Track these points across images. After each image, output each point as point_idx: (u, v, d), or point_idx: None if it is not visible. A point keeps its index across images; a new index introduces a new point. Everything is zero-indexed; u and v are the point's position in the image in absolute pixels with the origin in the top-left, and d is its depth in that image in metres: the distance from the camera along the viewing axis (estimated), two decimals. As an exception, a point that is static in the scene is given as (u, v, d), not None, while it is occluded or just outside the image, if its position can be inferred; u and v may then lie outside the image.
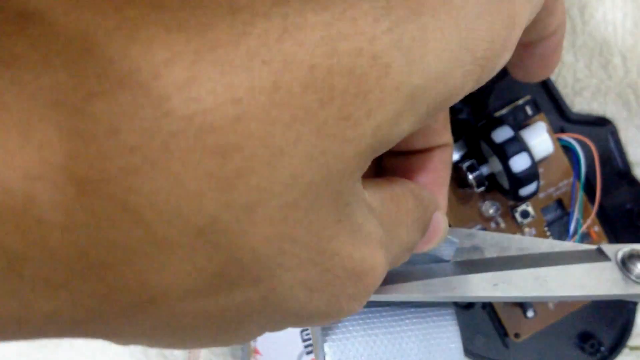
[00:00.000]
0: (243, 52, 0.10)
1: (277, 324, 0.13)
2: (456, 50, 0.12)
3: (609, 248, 0.20)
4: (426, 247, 0.17)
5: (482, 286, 0.19)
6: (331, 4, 0.10)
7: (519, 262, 0.20)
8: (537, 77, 0.19)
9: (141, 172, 0.09)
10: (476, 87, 0.13)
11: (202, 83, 0.09)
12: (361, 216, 0.13)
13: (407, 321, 0.22)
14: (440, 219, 0.17)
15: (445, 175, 0.19)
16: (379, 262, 0.13)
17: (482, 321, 0.32)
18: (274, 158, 0.10)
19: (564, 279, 0.19)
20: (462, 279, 0.19)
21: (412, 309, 0.22)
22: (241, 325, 0.12)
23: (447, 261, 0.20)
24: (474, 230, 0.21)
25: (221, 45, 0.10)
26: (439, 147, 0.19)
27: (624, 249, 0.20)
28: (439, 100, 0.12)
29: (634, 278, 0.20)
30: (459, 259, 0.20)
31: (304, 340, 0.31)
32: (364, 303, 0.14)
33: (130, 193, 0.09)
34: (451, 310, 0.23)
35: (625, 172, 0.32)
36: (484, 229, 0.32)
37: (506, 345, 0.32)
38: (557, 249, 0.21)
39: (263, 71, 0.10)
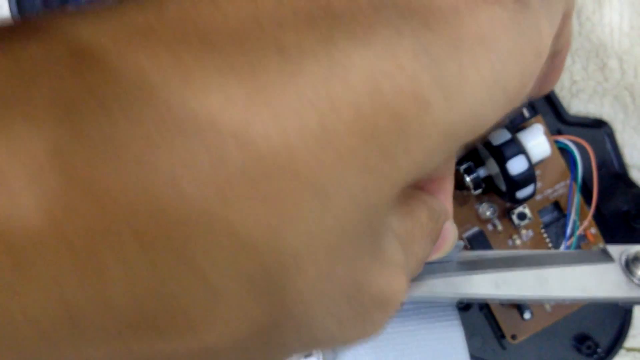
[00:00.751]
0: (292, 93, 0.10)
1: (305, 350, 0.13)
2: (491, 87, 0.12)
3: (614, 249, 0.20)
4: (435, 256, 0.17)
5: (485, 286, 0.19)
6: (373, 41, 0.10)
7: (522, 263, 0.20)
8: (538, 94, 0.19)
9: (199, 222, 0.09)
10: (501, 118, 0.14)
11: (255, 128, 0.09)
12: (387, 243, 0.13)
13: (415, 339, 0.22)
14: (450, 229, 0.17)
15: (450, 183, 0.19)
16: (401, 286, 0.13)
17: (479, 323, 0.32)
18: (321, 203, 0.10)
19: (566, 280, 0.19)
20: (464, 279, 0.19)
21: (422, 330, 0.22)
22: (275, 358, 0.12)
23: (451, 261, 0.20)
24: (481, 252, 0.21)
25: (272, 87, 0.09)
26: None
27: (629, 250, 0.20)
28: (469, 134, 0.12)
29: (636, 281, 0.19)
30: (462, 259, 0.20)
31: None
32: (386, 325, 0.14)
33: (188, 243, 0.09)
34: (459, 328, 0.23)
35: (621, 174, 0.32)
36: (481, 231, 0.32)
37: (503, 347, 0.32)
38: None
39: (311, 113, 0.10)
